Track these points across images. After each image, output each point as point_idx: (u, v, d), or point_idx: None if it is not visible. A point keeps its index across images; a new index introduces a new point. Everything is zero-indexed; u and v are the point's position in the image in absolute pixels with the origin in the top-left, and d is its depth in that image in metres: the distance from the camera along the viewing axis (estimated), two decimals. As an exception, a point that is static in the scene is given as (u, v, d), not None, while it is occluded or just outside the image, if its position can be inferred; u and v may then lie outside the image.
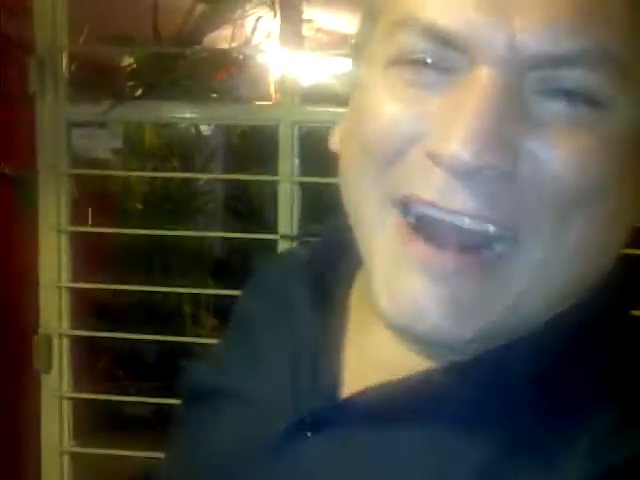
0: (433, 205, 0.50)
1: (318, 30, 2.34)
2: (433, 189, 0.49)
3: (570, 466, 0.49)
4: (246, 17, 1.80)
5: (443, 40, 0.49)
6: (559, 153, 0.48)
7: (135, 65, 1.95)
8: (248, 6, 1.78)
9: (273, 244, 1.85)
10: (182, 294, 2.87)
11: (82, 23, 1.93)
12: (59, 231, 1.88)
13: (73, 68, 1.87)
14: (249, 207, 3.41)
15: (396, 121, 0.51)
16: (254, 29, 1.79)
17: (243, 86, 2.26)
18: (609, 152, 0.50)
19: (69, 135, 1.85)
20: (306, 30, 1.98)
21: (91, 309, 2.50)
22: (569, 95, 0.48)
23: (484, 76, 0.48)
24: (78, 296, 1.96)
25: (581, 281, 0.53)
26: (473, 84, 0.48)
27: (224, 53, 1.93)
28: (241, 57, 1.93)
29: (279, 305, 0.69)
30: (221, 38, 1.92)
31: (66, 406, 1.93)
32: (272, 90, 2.32)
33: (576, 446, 0.49)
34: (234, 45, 1.85)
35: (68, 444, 1.93)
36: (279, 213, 1.83)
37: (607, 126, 0.49)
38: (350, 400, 0.57)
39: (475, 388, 0.52)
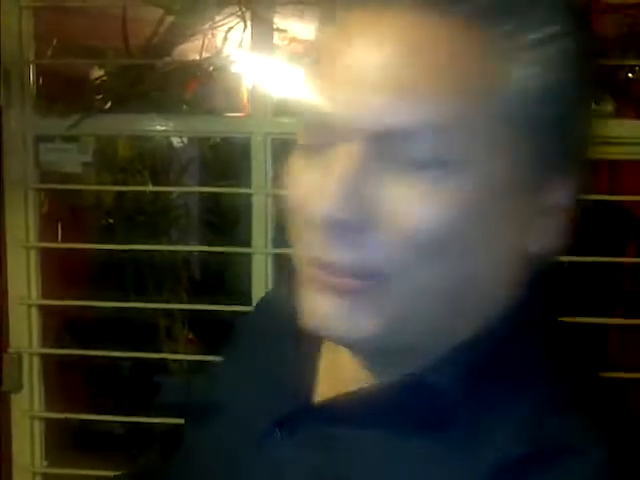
0: (319, 261, 0.62)
1: (292, 40, 2.32)
2: (317, 247, 0.62)
3: (488, 452, 0.60)
4: (216, 28, 1.78)
5: (322, 120, 0.62)
6: (413, 210, 0.59)
7: (104, 77, 1.92)
8: (218, 17, 1.76)
9: (247, 257, 1.84)
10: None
11: (50, 35, 1.91)
12: (27, 247, 1.85)
13: (41, 81, 1.84)
14: (223, 220, 3.38)
15: (298, 192, 0.64)
16: (225, 40, 1.77)
17: (215, 98, 2.24)
18: (463, 205, 0.59)
19: (36, 149, 1.82)
20: (279, 40, 1.96)
21: (62, 325, 2.46)
22: (419, 162, 0.59)
23: (347, 148, 0.60)
24: (48, 313, 1.92)
25: (479, 302, 0.64)
26: (339, 154, 0.61)
27: (195, 65, 1.91)
28: (212, 69, 1.91)
29: (274, 327, 0.80)
30: (191, 49, 1.90)
31: (37, 426, 1.90)
32: (244, 101, 2.30)
33: (496, 436, 0.60)
34: (205, 56, 1.83)
35: (40, 464, 1.90)
36: (253, 226, 1.81)
37: (460, 182, 0.59)
38: (314, 408, 0.71)
39: (409, 399, 0.64)
